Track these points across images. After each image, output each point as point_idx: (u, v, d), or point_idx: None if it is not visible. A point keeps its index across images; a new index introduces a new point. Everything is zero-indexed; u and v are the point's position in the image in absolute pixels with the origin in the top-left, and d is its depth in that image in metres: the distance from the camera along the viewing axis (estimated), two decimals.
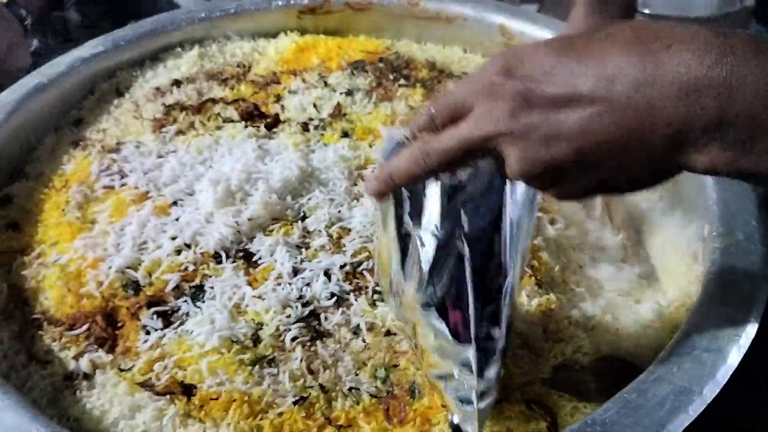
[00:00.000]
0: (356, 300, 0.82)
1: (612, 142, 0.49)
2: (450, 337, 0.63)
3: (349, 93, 1.15)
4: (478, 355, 0.63)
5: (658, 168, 0.51)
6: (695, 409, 0.64)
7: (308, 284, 0.84)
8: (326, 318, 0.81)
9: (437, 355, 0.67)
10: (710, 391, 0.66)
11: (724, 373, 0.67)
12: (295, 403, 0.73)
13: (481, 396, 0.65)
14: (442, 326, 0.63)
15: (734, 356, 0.68)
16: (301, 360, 0.76)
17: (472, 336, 0.63)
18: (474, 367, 0.63)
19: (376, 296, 0.83)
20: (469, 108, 0.54)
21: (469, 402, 0.66)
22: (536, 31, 1.22)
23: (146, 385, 0.75)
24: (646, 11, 1.97)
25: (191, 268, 0.86)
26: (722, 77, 0.45)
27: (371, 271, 0.85)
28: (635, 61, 0.48)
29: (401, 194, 0.63)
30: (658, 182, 0.53)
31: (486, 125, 0.53)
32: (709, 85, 0.46)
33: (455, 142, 0.55)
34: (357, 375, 0.76)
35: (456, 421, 0.69)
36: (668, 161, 0.50)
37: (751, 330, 0.70)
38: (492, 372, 0.65)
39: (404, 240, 0.64)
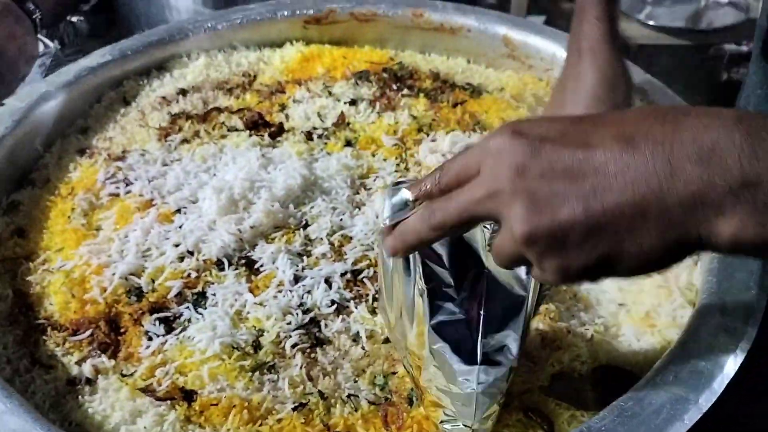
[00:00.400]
0: (356, 307, 0.83)
1: (625, 205, 0.45)
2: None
3: (353, 102, 1.16)
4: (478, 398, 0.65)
5: (672, 240, 0.46)
6: (691, 417, 0.65)
7: (309, 292, 0.85)
8: (326, 325, 0.81)
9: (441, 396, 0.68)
10: (706, 400, 0.66)
11: (720, 382, 0.67)
12: (294, 409, 0.74)
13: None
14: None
15: (731, 365, 0.69)
16: (301, 367, 0.77)
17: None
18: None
19: (376, 304, 0.84)
20: (475, 171, 0.51)
21: None
22: (540, 42, 1.23)
23: (147, 391, 0.76)
24: (651, 23, 1.97)
25: (194, 275, 0.87)
26: (743, 137, 0.43)
27: (372, 278, 0.86)
28: (653, 123, 0.46)
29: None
30: (668, 262, 0.48)
31: (489, 183, 0.50)
32: (731, 145, 0.43)
33: (459, 204, 0.52)
34: (356, 382, 0.76)
35: None
36: (686, 231, 0.45)
37: (748, 339, 0.71)
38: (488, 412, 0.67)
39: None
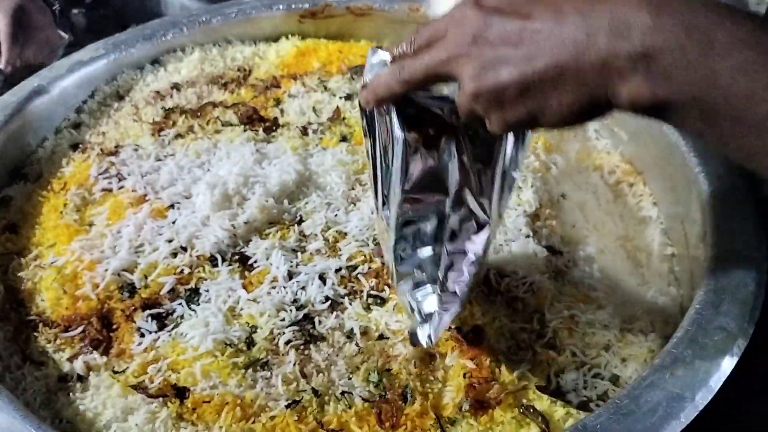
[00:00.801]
0: (350, 304, 0.83)
1: (550, 68, 0.54)
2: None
3: (349, 97, 1.15)
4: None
5: (585, 99, 0.54)
6: (687, 415, 0.64)
7: (303, 288, 0.84)
8: (320, 322, 0.81)
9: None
10: (703, 398, 0.66)
11: (717, 380, 0.67)
12: (287, 406, 0.73)
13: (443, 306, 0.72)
14: None
15: (727, 364, 0.68)
16: (295, 364, 0.76)
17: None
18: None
19: (370, 300, 0.83)
20: (442, 35, 0.60)
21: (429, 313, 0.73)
22: None
23: (139, 388, 0.75)
24: None
25: (187, 271, 0.87)
26: (650, 13, 0.50)
27: (367, 275, 0.85)
28: (583, 5, 0.53)
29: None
30: (584, 118, 0.56)
31: (449, 48, 0.59)
32: (637, 20, 0.50)
33: (424, 62, 0.61)
34: (350, 379, 0.76)
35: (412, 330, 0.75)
36: (595, 92, 0.53)
37: (745, 337, 0.70)
38: (457, 288, 0.71)
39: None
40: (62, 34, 1.38)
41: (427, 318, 0.73)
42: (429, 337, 0.72)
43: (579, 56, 0.53)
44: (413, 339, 0.75)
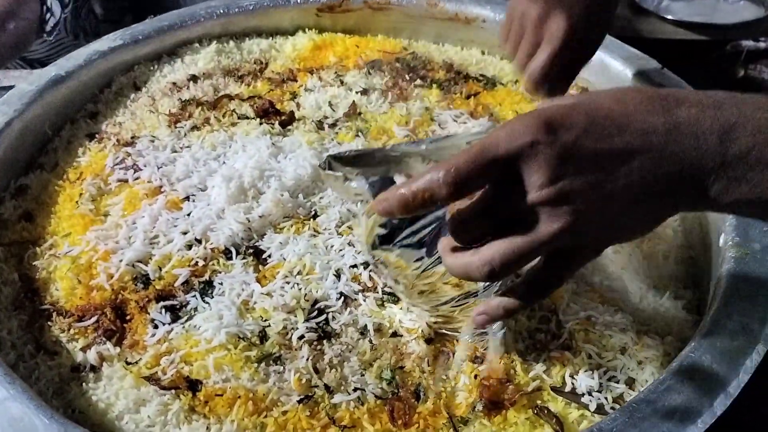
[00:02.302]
0: (364, 300, 0.82)
1: (652, 187, 0.54)
2: None
3: (365, 92, 1.14)
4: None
5: (678, 209, 0.58)
6: (705, 421, 0.63)
7: (317, 283, 0.83)
8: (334, 318, 0.80)
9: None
10: (721, 404, 0.65)
11: (735, 386, 0.66)
12: (299, 401, 0.73)
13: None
14: None
15: (746, 369, 0.67)
16: (308, 359, 0.76)
17: None
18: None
19: (384, 297, 0.82)
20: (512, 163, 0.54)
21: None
22: None
23: (152, 379, 0.75)
24: (670, 17, 1.95)
25: (201, 263, 0.86)
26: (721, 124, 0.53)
27: (380, 272, 0.85)
28: (659, 116, 0.53)
29: None
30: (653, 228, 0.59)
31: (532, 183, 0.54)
32: (711, 132, 0.53)
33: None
34: (363, 375, 0.75)
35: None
36: (691, 201, 0.55)
37: (765, 343, 0.69)
38: None
39: None
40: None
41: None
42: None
43: (675, 171, 0.54)
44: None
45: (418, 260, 0.70)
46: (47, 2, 1.45)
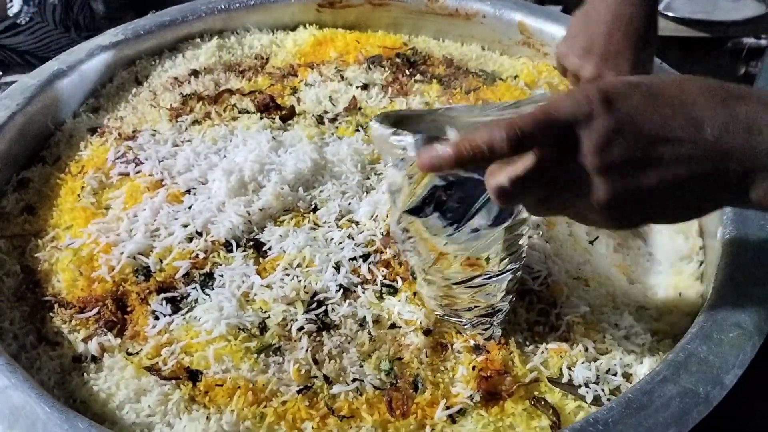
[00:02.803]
0: (363, 292, 0.83)
1: (695, 177, 0.55)
2: None
3: (365, 87, 1.15)
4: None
5: (718, 204, 0.59)
6: (700, 412, 0.64)
7: (317, 275, 0.84)
8: (333, 309, 0.81)
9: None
10: (716, 395, 0.65)
11: (731, 378, 0.67)
12: (299, 392, 0.73)
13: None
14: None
15: (742, 361, 0.68)
16: (307, 350, 0.77)
17: None
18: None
19: (383, 289, 0.83)
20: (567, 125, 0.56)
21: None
22: (556, 29, 1.21)
23: (153, 370, 0.76)
24: (670, 14, 1.95)
25: (202, 255, 0.87)
26: None
27: (379, 263, 0.85)
28: (717, 109, 0.54)
29: None
30: (702, 215, 0.60)
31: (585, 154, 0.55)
32: (762, 126, 0.53)
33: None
34: (361, 367, 0.76)
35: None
36: (732, 197, 0.57)
37: (761, 335, 0.70)
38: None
39: None
40: None
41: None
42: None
43: (722, 166, 0.54)
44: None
45: (446, 231, 0.69)
46: None
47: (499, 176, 0.58)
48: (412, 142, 0.64)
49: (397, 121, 0.69)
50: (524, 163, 0.57)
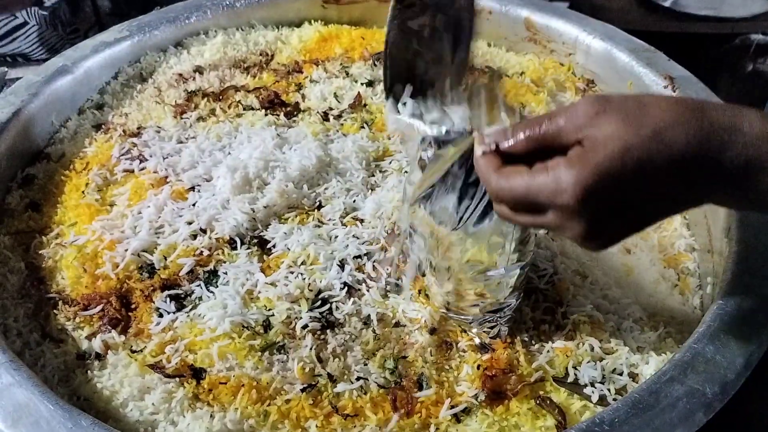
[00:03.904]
0: (368, 290, 0.82)
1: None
2: None
3: (370, 84, 1.14)
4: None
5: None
6: (707, 412, 0.63)
7: (321, 273, 0.84)
8: (337, 307, 0.80)
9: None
10: (723, 395, 0.65)
11: (738, 377, 0.66)
12: (303, 390, 0.73)
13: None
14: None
15: (750, 360, 0.67)
16: (311, 348, 0.76)
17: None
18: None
19: (388, 287, 0.83)
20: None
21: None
22: (563, 26, 1.21)
23: (157, 367, 0.75)
24: (679, 10, 1.93)
25: (206, 253, 0.87)
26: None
27: (383, 261, 0.85)
28: (697, 158, 0.55)
29: None
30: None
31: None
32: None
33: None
34: (366, 365, 0.76)
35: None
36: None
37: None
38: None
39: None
40: None
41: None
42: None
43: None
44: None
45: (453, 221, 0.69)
46: None
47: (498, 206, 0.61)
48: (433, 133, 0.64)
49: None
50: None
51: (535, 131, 0.59)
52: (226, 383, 0.73)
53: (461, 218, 0.67)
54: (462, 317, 0.78)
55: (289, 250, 0.86)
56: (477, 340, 0.78)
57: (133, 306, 0.83)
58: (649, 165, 0.54)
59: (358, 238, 0.88)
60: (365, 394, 0.73)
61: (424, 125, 0.66)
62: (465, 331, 0.79)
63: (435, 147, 0.65)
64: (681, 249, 0.93)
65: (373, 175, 0.98)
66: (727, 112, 0.56)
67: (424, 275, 0.79)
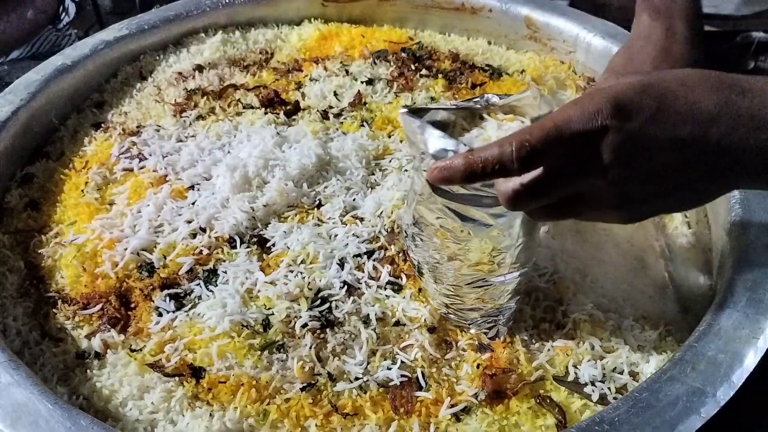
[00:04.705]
0: (368, 289, 0.82)
1: (703, 178, 0.57)
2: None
3: (370, 82, 1.14)
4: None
5: (729, 190, 0.62)
6: (708, 411, 0.63)
7: (321, 272, 0.83)
8: (337, 306, 0.80)
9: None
10: (724, 394, 0.64)
11: (739, 376, 0.66)
12: (302, 389, 0.73)
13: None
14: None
15: (751, 359, 0.67)
16: (311, 347, 0.76)
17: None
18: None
19: (387, 286, 0.82)
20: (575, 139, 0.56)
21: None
22: (563, 23, 1.21)
23: (156, 366, 0.75)
24: None
25: (205, 251, 0.87)
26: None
27: (383, 260, 0.85)
28: (722, 106, 0.55)
29: None
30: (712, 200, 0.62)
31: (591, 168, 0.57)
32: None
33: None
34: (365, 364, 0.75)
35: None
36: (749, 183, 0.60)
37: None
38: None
39: None
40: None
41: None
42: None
43: (726, 165, 0.57)
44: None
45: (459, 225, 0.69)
46: (65, 2, 1.47)
47: (510, 181, 0.58)
48: (431, 151, 0.63)
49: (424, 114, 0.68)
50: (535, 172, 0.57)
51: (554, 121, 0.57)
52: (225, 382, 0.73)
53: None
54: (460, 319, 0.78)
55: (288, 248, 0.86)
56: (476, 340, 0.78)
57: (132, 305, 0.82)
58: (673, 105, 0.55)
59: (357, 236, 0.87)
60: (365, 393, 0.73)
61: (428, 136, 0.64)
62: (464, 330, 0.79)
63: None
64: (685, 246, 0.93)
65: (373, 174, 0.98)
66: (747, 75, 0.57)
67: (422, 275, 0.79)
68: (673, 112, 0.55)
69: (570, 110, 0.56)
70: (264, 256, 0.87)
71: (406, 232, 0.77)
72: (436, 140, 0.63)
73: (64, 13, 1.50)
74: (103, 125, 1.09)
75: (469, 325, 0.78)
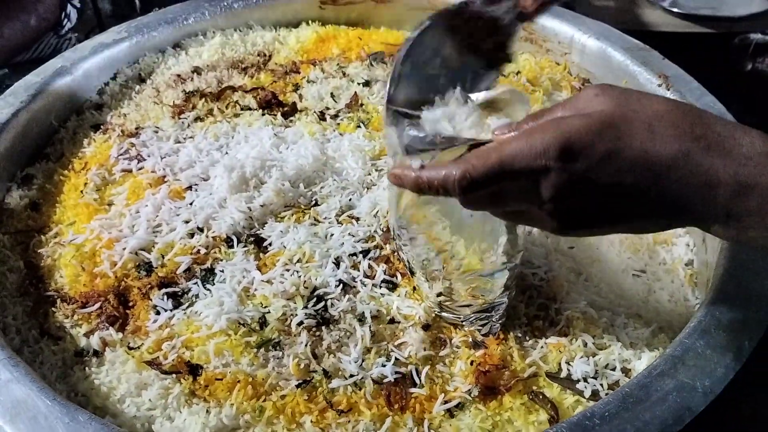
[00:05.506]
0: (363, 287, 0.83)
1: (649, 225, 0.61)
2: None
3: (367, 84, 1.15)
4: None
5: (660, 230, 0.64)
6: (697, 405, 0.64)
7: (317, 271, 0.84)
8: (332, 305, 0.81)
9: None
10: (714, 388, 0.65)
11: (728, 371, 0.66)
12: (298, 386, 0.74)
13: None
14: None
15: (740, 354, 0.67)
16: (306, 345, 0.77)
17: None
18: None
19: (382, 284, 0.83)
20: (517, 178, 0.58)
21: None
22: (558, 25, 1.21)
23: (154, 364, 0.76)
24: (675, 10, 1.94)
25: (203, 251, 0.88)
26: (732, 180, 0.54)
27: (378, 259, 0.86)
28: (679, 160, 0.54)
29: None
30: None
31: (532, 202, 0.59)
32: (720, 183, 0.54)
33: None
34: (360, 361, 0.76)
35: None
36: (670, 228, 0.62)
37: (759, 329, 0.70)
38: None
39: None
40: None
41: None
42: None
43: (673, 215, 0.58)
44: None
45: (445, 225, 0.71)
46: (67, 9, 1.48)
47: (455, 167, 0.59)
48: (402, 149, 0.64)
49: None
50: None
51: (539, 120, 0.59)
52: (222, 379, 0.74)
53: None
54: (453, 316, 0.79)
55: (285, 248, 0.87)
56: (470, 337, 0.78)
57: (130, 304, 0.83)
58: (627, 150, 0.54)
59: (353, 236, 0.88)
60: (360, 389, 0.74)
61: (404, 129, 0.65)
62: (458, 328, 0.79)
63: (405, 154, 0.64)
64: (679, 246, 0.94)
65: (369, 174, 0.99)
66: (728, 125, 0.56)
67: (413, 274, 0.80)
68: (623, 158, 0.55)
69: (519, 143, 0.56)
70: (261, 255, 0.87)
71: (394, 232, 0.78)
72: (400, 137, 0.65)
73: (66, 20, 1.52)
74: (102, 127, 1.10)
75: (463, 322, 0.78)
